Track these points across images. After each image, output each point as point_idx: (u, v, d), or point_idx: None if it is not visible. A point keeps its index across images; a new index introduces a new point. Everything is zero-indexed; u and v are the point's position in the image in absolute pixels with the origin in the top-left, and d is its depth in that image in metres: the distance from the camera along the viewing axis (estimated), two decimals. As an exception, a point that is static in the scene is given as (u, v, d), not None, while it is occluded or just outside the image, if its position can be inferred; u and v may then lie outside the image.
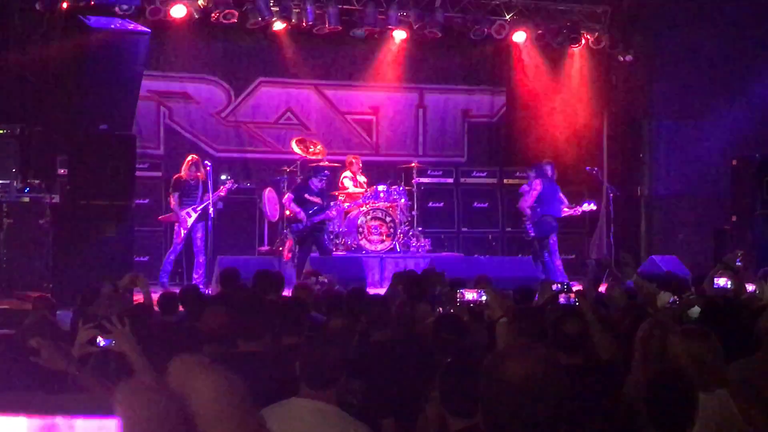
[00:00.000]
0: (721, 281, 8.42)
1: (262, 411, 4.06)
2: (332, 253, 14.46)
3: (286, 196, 14.44)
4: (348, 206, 15.05)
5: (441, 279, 9.12)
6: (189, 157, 14.18)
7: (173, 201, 13.94)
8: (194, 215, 13.81)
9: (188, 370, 2.18)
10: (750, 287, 8.71)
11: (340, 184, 15.38)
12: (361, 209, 14.88)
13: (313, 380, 4.12)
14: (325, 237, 14.38)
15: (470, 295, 6.83)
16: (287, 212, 14.40)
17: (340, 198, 15.03)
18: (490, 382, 2.54)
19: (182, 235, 13.87)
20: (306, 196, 14.12)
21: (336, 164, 15.56)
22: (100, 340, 4.75)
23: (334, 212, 14.48)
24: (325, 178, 14.33)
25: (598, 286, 9.56)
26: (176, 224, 14.00)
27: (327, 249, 14.34)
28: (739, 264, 10.01)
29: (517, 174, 17.20)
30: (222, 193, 13.97)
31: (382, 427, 4.98)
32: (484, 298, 6.70)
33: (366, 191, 15.29)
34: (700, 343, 4.44)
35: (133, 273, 8.41)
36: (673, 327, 4.91)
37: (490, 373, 2.55)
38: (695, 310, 7.33)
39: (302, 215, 14.02)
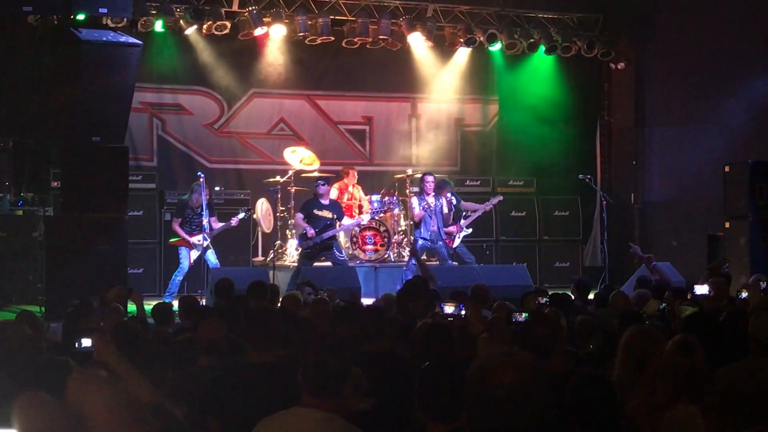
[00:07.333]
0: (700, 288, 8.43)
1: (262, 421, 4.05)
2: (347, 263, 14.26)
3: (296, 215, 14.30)
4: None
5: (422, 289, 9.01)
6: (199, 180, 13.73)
7: (177, 226, 13.72)
8: (207, 241, 13.59)
9: (83, 384, 2.20)
10: (744, 294, 8.73)
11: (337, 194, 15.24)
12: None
13: (316, 389, 4.09)
14: (335, 251, 14.11)
15: (449, 308, 6.80)
16: (300, 229, 14.08)
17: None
18: (476, 390, 2.54)
19: (192, 259, 13.60)
20: (315, 212, 13.91)
21: (331, 174, 15.56)
22: (82, 342, 4.84)
23: (341, 227, 14.27)
24: (324, 185, 14.12)
25: (587, 294, 9.54)
26: (183, 247, 13.72)
27: (341, 261, 14.11)
28: (726, 270, 10.04)
29: (511, 182, 17.27)
30: (233, 223, 13.84)
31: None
32: (463, 312, 6.66)
33: (360, 202, 15.32)
34: (687, 356, 4.38)
35: (119, 286, 8.37)
36: (661, 337, 4.90)
37: (475, 381, 2.55)
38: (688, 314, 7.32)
39: (311, 232, 13.76)
